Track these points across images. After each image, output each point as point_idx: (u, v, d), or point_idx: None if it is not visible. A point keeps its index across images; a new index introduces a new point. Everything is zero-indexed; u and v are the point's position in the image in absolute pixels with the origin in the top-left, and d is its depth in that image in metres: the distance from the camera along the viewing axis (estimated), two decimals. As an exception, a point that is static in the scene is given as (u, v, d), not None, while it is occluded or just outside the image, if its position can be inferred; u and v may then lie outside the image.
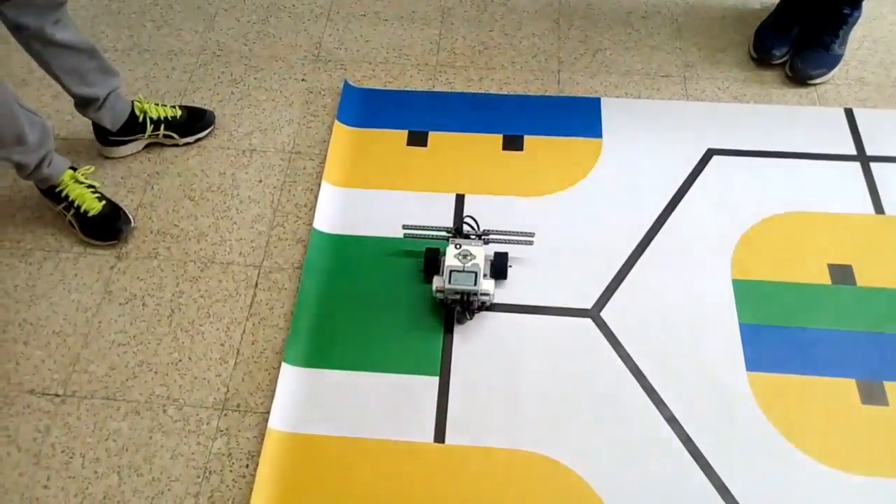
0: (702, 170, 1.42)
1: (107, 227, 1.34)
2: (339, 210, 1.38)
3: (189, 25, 1.71)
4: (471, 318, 1.23)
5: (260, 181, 1.44)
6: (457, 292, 1.20)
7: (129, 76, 1.61)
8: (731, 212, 1.36)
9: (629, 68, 1.59)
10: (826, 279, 1.27)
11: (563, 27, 1.67)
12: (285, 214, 1.39)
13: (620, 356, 1.21)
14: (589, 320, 1.24)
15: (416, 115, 1.52)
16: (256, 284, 1.30)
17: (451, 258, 1.21)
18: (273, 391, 1.18)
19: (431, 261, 1.27)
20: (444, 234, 1.28)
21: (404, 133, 1.49)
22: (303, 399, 1.17)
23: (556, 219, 1.36)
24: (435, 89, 1.57)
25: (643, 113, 1.51)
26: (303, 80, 1.60)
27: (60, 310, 1.28)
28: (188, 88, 1.59)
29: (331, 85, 1.58)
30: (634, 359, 1.21)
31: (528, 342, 1.22)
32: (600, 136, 1.47)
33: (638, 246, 1.32)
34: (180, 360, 1.22)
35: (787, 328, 1.22)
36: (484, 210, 1.36)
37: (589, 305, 1.26)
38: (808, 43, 1.54)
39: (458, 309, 1.22)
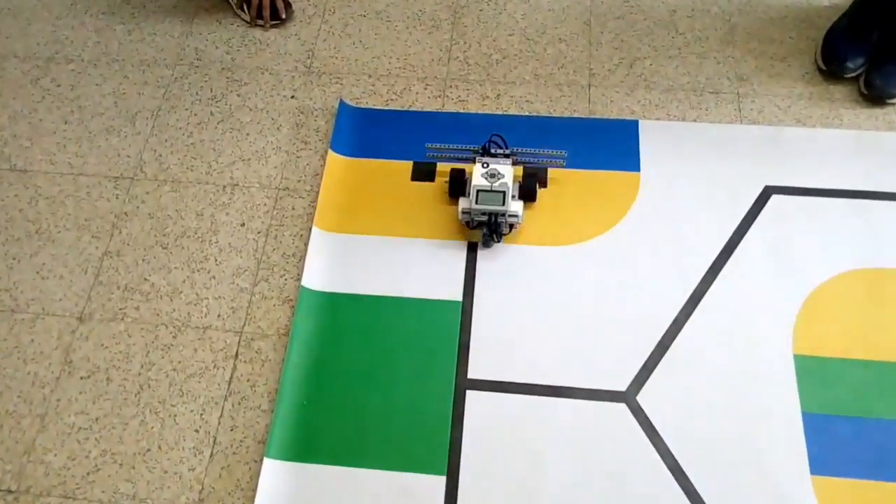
0: (758, 213, 1.20)
1: None
2: (331, 262, 1.19)
3: (164, 29, 1.49)
4: (498, 241, 1.17)
5: (242, 224, 1.25)
6: (484, 213, 1.14)
7: (95, 92, 1.41)
8: (794, 268, 1.15)
9: (673, 82, 1.35)
10: (908, 356, 1.07)
11: (594, 30, 1.43)
12: (270, 267, 1.20)
13: (658, 450, 1.03)
14: (623, 405, 1.06)
15: (422, 142, 1.30)
16: (237, 355, 1.13)
17: (477, 177, 1.16)
18: (254, 490, 1.01)
19: (457, 181, 1.21)
20: (469, 153, 1.23)
21: (408, 165, 1.29)
22: (287, 502, 1.01)
23: (586, 275, 1.16)
24: (444, 109, 1.35)
25: (689, 140, 1.28)
26: (293, 97, 1.38)
27: (15, 385, 1.12)
28: (162, 107, 1.39)
29: (324, 103, 1.37)
30: (675, 454, 1.02)
31: (550, 431, 1.04)
32: (638, 168, 1.26)
33: (681, 311, 1.12)
34: (148, 450, 1.06)
35: (862, 419, 1.03)
36: (500, 264, 1.17)
37: (623, 387, 1.07)
38: (890, 53, 1.29)
39: (485, 231, 1.16)
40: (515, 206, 1.16)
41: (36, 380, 1.12)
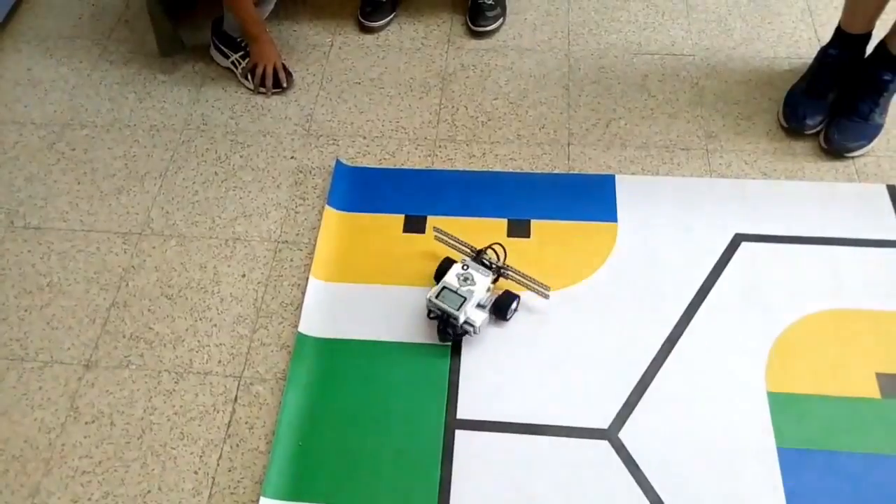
0: (729, 259, 1.28)
1: None
2: (327, 310, 1.26)
3: (173, 97, 1.60)
4: (450, 341, 1.19)
5: (243, 276, 1.32)
6: (440, 310, 1.16)
7: (107, 155, 1.51)
8: (764, 310, 1.21)
9: (646, 140, 1.45)
10: (875, 392, 1.12)
11: (573, 94, 1.54)
12: (269, 315, 1.27)
13: (641, 486, 1.07)
14: (606, 443, 1.10)
15: (413, 197, 1.39)
16: (236, 399, 1.18)
17: (451, 275, 1.19)
18: (250, 529, 1.05)
19: (443, 270, 1.23)
20: (467, 250, 1.26)
21: (400, 218, 1.37)
22: (283, 541, 1.04)
23: (569, 319, 1.22)
24: (434, 167, 1.44)
25: (662, 192, 1.37)
26: (292, 157, 1.48)
27: (22, 430, 1.17)
28: (170, 168, 1.48)
29: (322, 163, 1.47)
30: (657, 489, 1.06)
31: (536, 468, 1.09)
32: (615, 219, 1.34)
33: (659, 352, 1.18)
34: (149, 492, 1.10)
35: (834, 453, 1.07)
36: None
37: (605, 425, 1.12)
38: (845, 111, 1.39)
39: (439, 326, 1.17)
40: (476, 315, 1.16)
41: (42, 425, 1.17)
